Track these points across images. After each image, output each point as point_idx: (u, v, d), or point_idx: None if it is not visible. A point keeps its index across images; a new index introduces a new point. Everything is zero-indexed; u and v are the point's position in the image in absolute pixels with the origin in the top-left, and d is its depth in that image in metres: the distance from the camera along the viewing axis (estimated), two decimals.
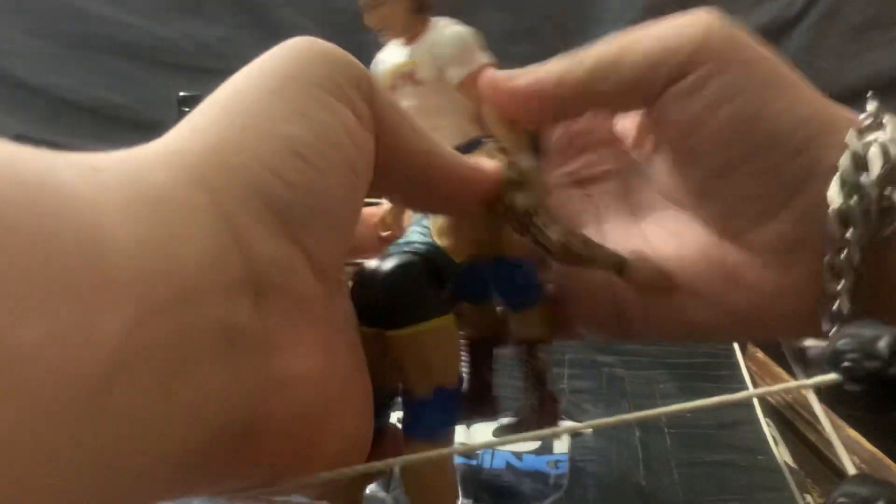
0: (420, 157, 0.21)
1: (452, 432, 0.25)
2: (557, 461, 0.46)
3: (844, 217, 0.21)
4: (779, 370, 0.62)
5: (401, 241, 0.25)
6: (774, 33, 0.98)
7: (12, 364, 0.11)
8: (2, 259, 0.11)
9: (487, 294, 0.28)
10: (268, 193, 0.17)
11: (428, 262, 0.24)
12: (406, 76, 0.28)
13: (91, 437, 0.12)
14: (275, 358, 0.16)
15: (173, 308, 0.14)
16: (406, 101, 0.28)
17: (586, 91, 0.25)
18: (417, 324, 0.22)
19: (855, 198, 0.21)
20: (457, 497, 0.23)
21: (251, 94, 0.18)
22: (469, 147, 0.28)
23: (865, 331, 0.15)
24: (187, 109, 0.18)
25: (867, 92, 0.23)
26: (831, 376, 0.15)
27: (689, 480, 0.45)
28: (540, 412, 0.29)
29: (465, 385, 0.29)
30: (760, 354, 0.64)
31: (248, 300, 0.16)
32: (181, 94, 0.68)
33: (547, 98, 0.26)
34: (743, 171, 0.23)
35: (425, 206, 0.25)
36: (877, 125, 0.22)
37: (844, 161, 0.21)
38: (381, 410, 0.23)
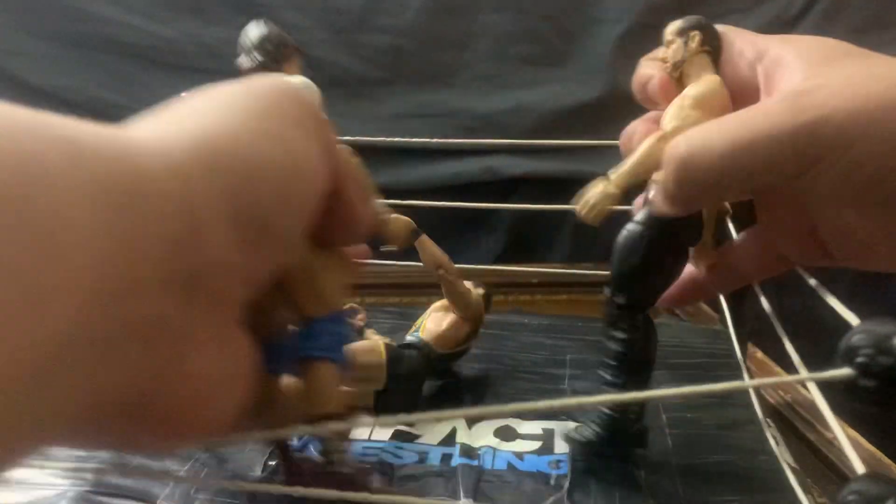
0: (347, 197, 0.23)
1: (343, 352, 0.26)
2: (559, 461, 0.46)
3: None
4: (778, 370, 0.62)
5: None
6: (774, 33, 0.98)
7: None
8: None
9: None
10: (240, 204, 0.18)
11: None
12: None
13: (27, 401, 0.14)
14: (189, 353, 0.17)
15: (117, 298, 0.15)
16: None
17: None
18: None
19: None
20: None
21: (240, 113, 0.20)
22: None
23: (880, 327, 0.15)
24: None
25: None
26: (845, 371, 0.16)
27: (689, 481, 0.45)
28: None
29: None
30: (760, 354, 0.64)
31: (183, 296, 0.17)
32: (183, 95, 0.67)
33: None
34: None
35: (326, 237, 0.25)
36: None
37: None
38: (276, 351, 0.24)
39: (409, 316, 0.66)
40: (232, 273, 0.18)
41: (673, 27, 0.33)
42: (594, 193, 0.31)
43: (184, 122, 0.19)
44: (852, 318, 0.23)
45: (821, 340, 0.27)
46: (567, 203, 0.36)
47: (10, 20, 0.94)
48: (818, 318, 0.31)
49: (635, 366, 0.40)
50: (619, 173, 0.31)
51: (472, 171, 0.99)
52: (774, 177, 0.26)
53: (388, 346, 0.53)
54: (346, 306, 0.28)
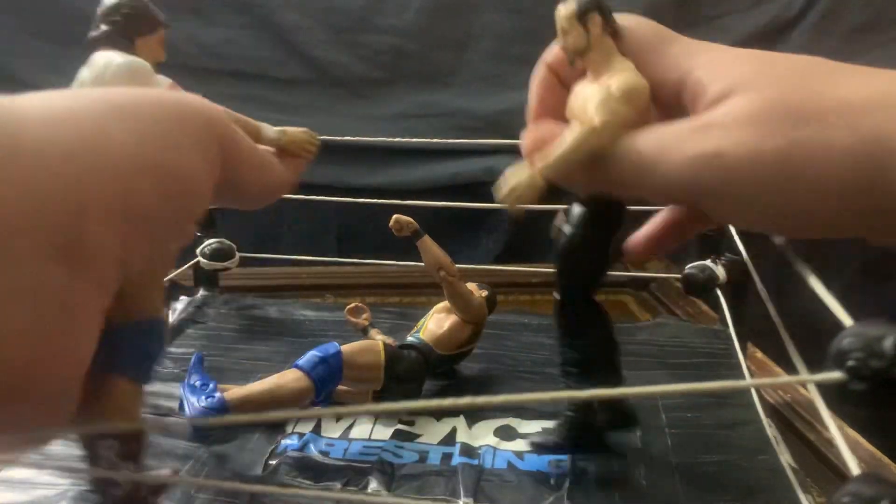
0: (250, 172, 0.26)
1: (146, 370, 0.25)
2: (559, 461, 0.46)
3: None
4: (778, 370, 0.62)
5: None
6: (774, 33, 0.98)
7: None
8: None
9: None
10: (130, 202, 0.20)
11: None
12: None
13: None
14: (73, 326, 0.18)
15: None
16: None
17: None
18: None
19: None
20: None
21: (149, 119, 0.21)
22: None
23: (871, 330, 0.15)
24: None
25: None
26: (836, 374, 0.15)
27: (689, 481, 0.45)
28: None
29: None
30: (760, 354, 0.64)
31: (66, 272, 0.18)
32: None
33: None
34: None
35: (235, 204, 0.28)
36: None
37: None
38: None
39: (410, 316, 0.66)
40: (113, 263, 0.19)
41: (566, 12, 0.29)
42: (519, 181, 0.29)
43: (81, 118, 0.20)
44: (845, 318, 0.23)
45: (821, 341, 0.27)
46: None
47: (10, 20, 0.94)
48: (818, 319, 0.31)
49: (601, 366, 0.40)
50: (546, 165, 0.28)
51: (472, 171, 0.99)
52: (671, 195, 0.28)
53: (387, 346, 0.53)
54: (158, 318, 0.25)
